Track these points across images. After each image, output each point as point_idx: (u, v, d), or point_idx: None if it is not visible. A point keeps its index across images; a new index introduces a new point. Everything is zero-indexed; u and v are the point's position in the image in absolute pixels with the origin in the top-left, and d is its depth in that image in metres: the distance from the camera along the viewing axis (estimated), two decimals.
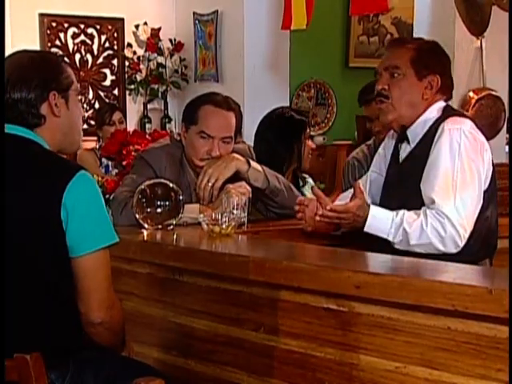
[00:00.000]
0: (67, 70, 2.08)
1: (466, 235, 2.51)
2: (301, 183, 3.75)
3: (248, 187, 2.89)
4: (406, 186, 2.66)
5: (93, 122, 6.24)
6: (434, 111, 2.68)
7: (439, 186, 2.52)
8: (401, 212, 2.54)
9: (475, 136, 2.60)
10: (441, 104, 2.71)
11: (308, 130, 3.72)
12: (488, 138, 2.72)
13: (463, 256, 2.44)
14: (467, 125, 2.61)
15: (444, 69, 2.74)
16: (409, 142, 2.71)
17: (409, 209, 2.56)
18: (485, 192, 2.61)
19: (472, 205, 2.54)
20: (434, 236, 2.49)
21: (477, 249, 2.60)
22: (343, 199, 2.85)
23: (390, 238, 2.54)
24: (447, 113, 2.68)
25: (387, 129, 2.98)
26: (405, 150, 2.74)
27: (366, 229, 2.57)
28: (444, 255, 2.47)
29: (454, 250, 2.50)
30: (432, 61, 2.69)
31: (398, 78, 2.67)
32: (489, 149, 2.64)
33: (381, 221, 2.55)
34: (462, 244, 2.50)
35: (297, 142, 3.65)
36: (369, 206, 2.61)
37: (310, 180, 3.85)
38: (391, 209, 2.59)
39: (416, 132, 2.69)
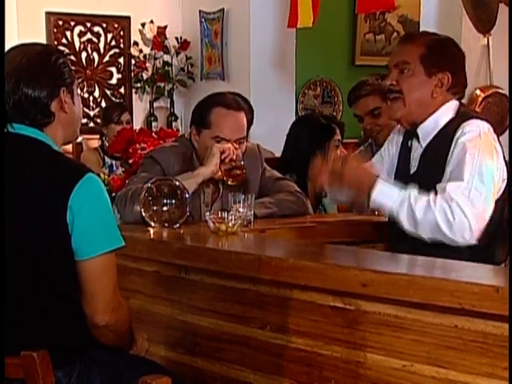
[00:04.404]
0: (69, 63, 2.09)
1: (476, 228, 2.41)
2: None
3: (230, 146, 2.86)
4: (419, 186, 2.57)
5: (99, 120, 6.24)
6: (447, 111, 2.63)
7: (455, 179, 2.46)
8: (409, 189, 2.49)
9: (492, 140, 2.55)
10: (454, 103, 2.65)
11: (337, 137, 3.61)
12: None
13: (488, 257, 2.41)
14: (485, 128, 2.56)
15: (456, 66, 2.66)
16: (419, 141, 2.67)
17: None
18: (502, 196, 2.55)
19: (487, 203, 2.45)
20: (440, 216, 2.40)
21: (501, 251, 2.59)
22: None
23: (394, 213, 2.47)
24: (463, 115, 2.62)
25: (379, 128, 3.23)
26: (416, 150, 2.69)
27: (371, 201, 2.51)
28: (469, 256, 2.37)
29: (460, 240, 2.40)
30: (443, 58, 2.63)
31: (407, 74, 2.61)
32: (500, 153, 2.58)
33: (387, 193, 2.49)
34: (470, 237, 2.40)
35: (322, 147, 3.56)
36: (375, 178, 2.53)
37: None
38: None
39: (427, 130, 2.64)
